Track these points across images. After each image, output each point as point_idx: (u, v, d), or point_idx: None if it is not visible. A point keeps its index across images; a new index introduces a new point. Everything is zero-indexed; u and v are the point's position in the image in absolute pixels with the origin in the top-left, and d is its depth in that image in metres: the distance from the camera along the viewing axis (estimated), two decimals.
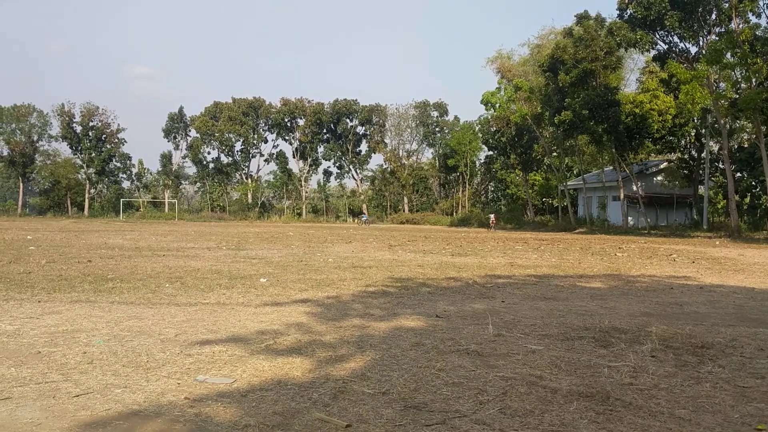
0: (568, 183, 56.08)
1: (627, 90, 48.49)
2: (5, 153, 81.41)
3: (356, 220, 73.76)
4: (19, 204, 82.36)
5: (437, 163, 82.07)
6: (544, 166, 61.11)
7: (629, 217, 47.54)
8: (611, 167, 49.93)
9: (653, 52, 41.41)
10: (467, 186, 75.78)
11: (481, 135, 70.86)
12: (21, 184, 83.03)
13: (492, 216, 54.91)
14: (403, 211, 79.74)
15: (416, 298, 9.74)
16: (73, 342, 6.15)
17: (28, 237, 26.47)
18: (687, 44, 39.81)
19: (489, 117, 63.08)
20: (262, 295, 9.84)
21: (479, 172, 79.06)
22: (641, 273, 14.73)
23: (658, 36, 39.82)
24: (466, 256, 19.18)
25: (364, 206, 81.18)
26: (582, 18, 43.98)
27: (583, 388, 4.74)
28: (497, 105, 56.85)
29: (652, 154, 53.18)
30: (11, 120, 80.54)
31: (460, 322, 7.56)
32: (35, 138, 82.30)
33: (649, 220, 46.17)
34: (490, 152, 70.47)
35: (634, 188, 46.71)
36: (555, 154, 56.80)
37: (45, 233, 30.88)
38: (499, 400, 4.43)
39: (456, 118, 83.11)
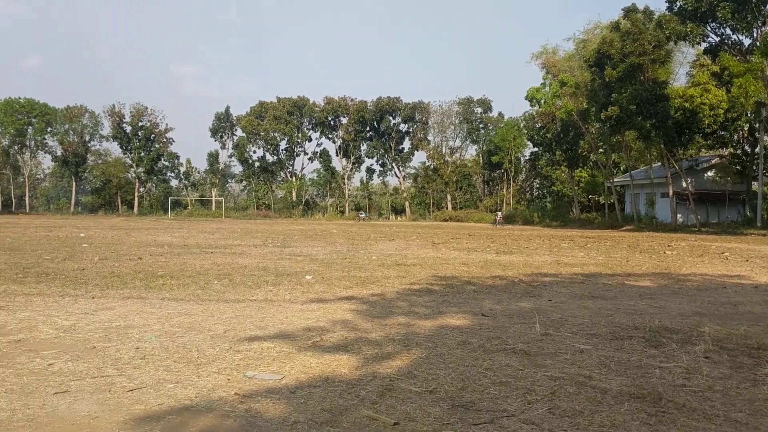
0: (615, 180, 55.11)
1: (676, 84, 47.29)
2: (59, 153, 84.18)
3: (355, 217, 74.80)
4: (72, 202, 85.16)
5: (481, 160, 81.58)
6: (591, 163, 60.17)
7: (678, 215, 46.44)
8: (659, 163, 48.84)
9: (704, 45, 40.37)
10: (512, 183, 75.13)
11: (525, 131, 70.22)
12: (74, 183, 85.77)
13: (499, 214, 60.45)
14: (447, 208, 79.51)
15: (461, 296, 9.69)
16: (126, 337, 6.31)
17: (81, 235, 27.24)
18: (740, 36, 38.79)
19: (534, 113, 62.49)
20: (308, 292, 9.92)
21: (524, 169, 78.31)
22: (692, 272, 14.37)
23: (709, 28, 38.83)
24: (512, 254, 19.02)
25: (407, 203, 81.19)
26: (629, 11, 43.06)
27: (633, 389, 4.65)
28: (542, 101, 56.19)
29: (703, 150, 51.79)
30: (65, 121, 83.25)
31: (506, 321, 7.50)
32: (87, 138, 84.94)
33: (699, 217, 45.02)
34: (535, 149, 69.80)
35: (684, 185, 45.60)
36: (601, 150, 55.89)
37: (97, 231, 31.73)
38: (547, 400, 4.39)
39: (500, 114, 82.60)
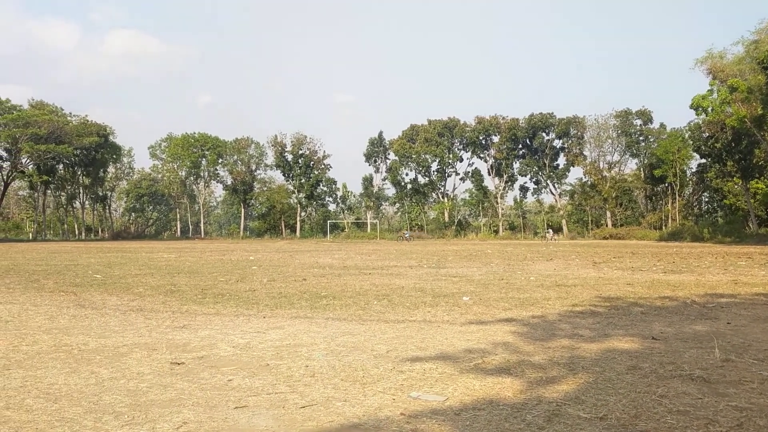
0: None
1: None
2: (229, 182, 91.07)
3: (398, 237, 73.18)
4: (241, 227, 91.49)
5: (642, 174, 77.35)
6: None
7: None
8: None
9: None
10: (677, 197, 70.54)
11: (691, 142, 65.82)
12: (242, 210, 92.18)
13: (551, 231, 65.74)
14: (606, 225, 76.13)
15: (628, 318, 9.22)
16: (295, 356, 6.62)
17: (250, 258, 29.05)
18: None
19: (700, 122, 58.50)
20: (466, 313, 9.89)
21: (690, 182, 73.32)
22: None
23: None
24: (681, 273, 17.82)
25: (563, 222, 78.71)
26: None
27: None
28: (710, 109, 52.47)
29: None
30: (233, 152, 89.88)
31: (679, 345, 7.02)
32: (253, 167, 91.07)
33: None
34: (703, 160, 65.29)
35: None
36: None
37: (264, 254, 33.72)
38: None
39: (662, 125, 78.04)
